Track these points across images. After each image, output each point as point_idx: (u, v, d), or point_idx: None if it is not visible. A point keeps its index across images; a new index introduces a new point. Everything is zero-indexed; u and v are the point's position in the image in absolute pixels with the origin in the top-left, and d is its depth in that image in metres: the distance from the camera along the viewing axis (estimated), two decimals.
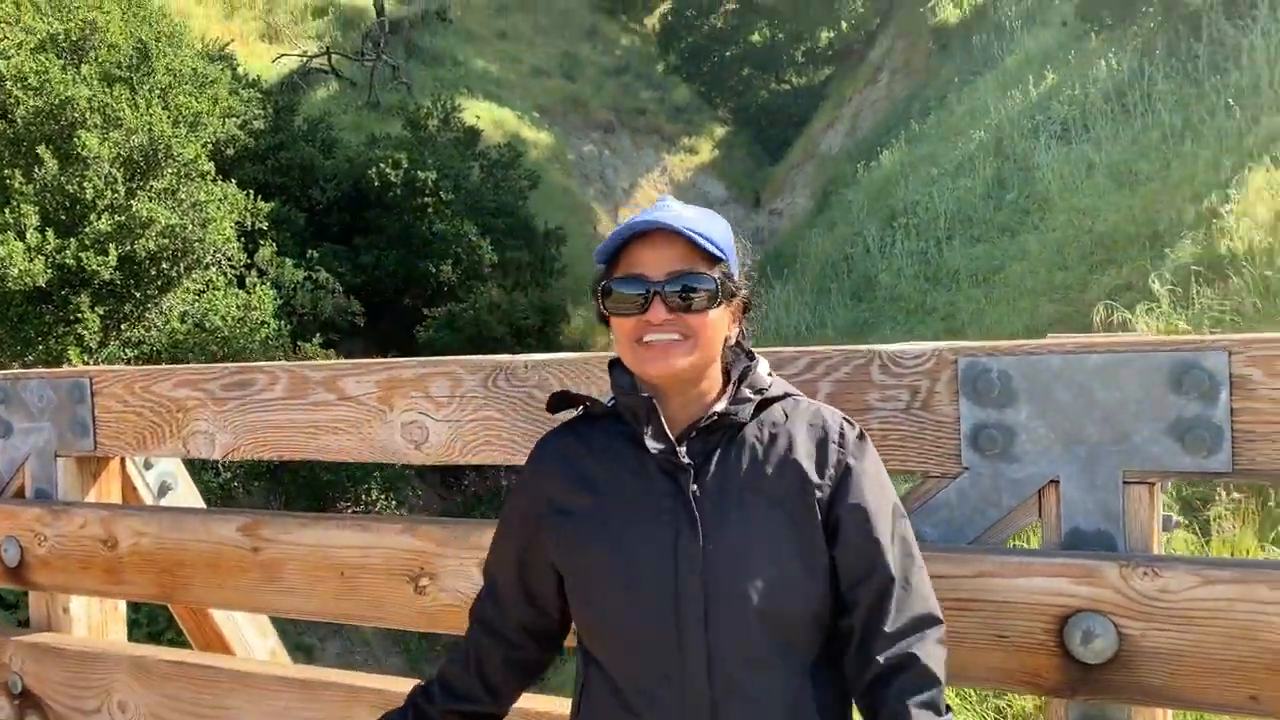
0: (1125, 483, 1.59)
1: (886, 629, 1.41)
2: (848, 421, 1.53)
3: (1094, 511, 1.60)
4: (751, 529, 1.45)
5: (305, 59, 23.77)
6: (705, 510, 1.46)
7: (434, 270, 16.77)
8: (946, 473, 1.71)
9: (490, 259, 17.29)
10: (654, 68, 33.96)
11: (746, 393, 1.52)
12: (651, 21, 36.16)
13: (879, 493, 1.48)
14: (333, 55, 23.87)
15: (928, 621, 1.43)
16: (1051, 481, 1.64)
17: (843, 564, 1.45)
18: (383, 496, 13.82)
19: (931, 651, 1.41)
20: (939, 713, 1.39)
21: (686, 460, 1.48)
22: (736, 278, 1.54)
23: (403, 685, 2.04)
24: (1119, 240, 9.02)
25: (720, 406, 1.50)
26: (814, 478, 1.47)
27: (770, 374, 1.57)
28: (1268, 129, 8.85)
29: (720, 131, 32.40)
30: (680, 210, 1.53)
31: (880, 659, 1.40)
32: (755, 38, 34.18)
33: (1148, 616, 1.50)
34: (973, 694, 4.74)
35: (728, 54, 34.10)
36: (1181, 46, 11.77)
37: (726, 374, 1.56)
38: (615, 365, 1.58)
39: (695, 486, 1.47)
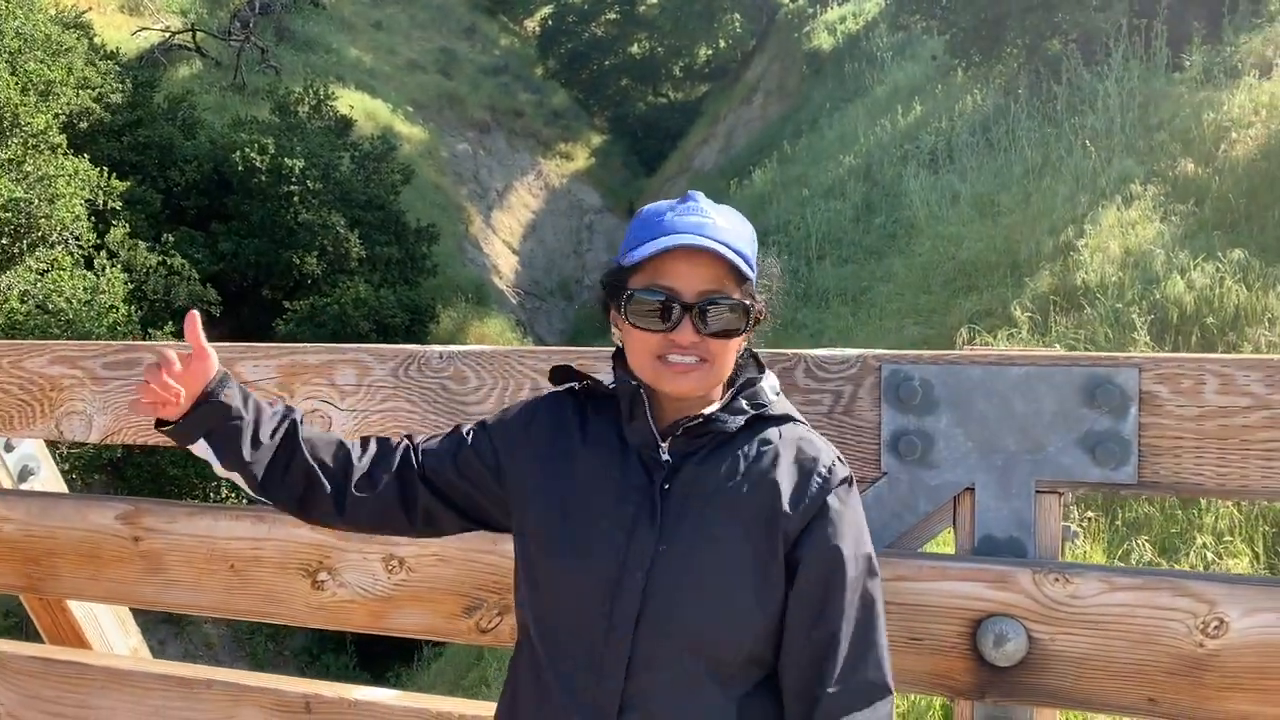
0: (1037, 492, 1.64)
1: (830, 689, 1.35)
2: (840, 461, 1.47)
3: (1007, 519, 1.65)
4: (710, 541, 1.40)
5: (168, 34, 22.74)
6: (668, 509, 1.42)
7: (298, 261, 16.23)
8: (865, 477, 1.73)
9: (358, 253, 16.85)
10: (533, 70, 33.82)
11: (743, 404, 1.47)
12: (531, 24, 36.04)
13: (852, 542, 1.41)
14: (197, 33, 22.90)
15: (879, 692, 1.37)
16: (967, 489, 1.68)
17: (793, 607, 1.38)
18: (233, 494, 13.26)
19: None
20: None
21: (665, 457, 1.45)
22: (758, 295, 1.49)
23: (294, 685, 1.95)
24: (981, 268, 9.43)
25: (709, 410, 1.46)
26: (786, 508, 1.41)
27: (778, 393, 1.53)
28: (1119, 170, 9.41)
29: (597, 140, 32.49)
30: (715, 217, 1.47)
31: None
32: (635, 49, 34.47)
33: (1057, 621, 1.56)
34: None
35: (607, 63, 34.30)
36: (1042, 87, 12.41)
37: (732, 380, 1.52)
38: (619, 356, 1.55)
39: (666, 484, 1.43)
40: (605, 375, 1.58)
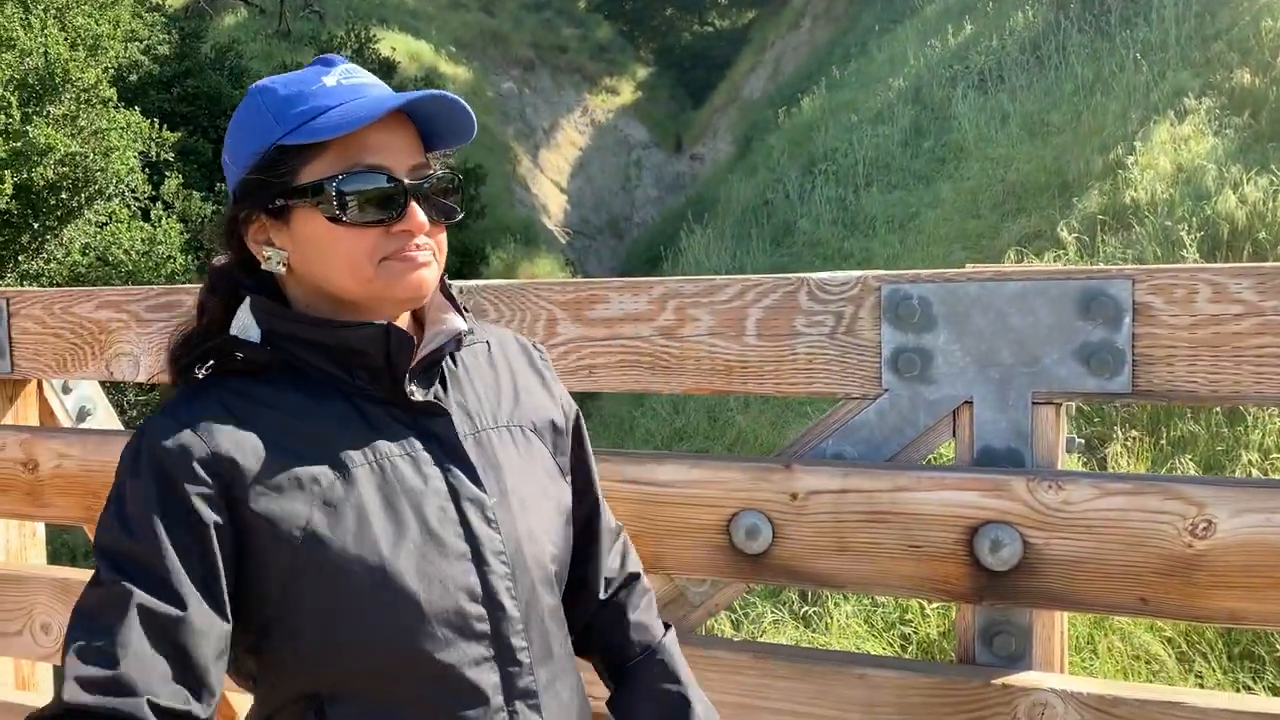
0: (1034, 403, 1.68)
1: (614, 542, 1.44)
2: (534, 344, 1.42)
3: (1005, 430, 1.70)
4: (520, 467, 1.25)
5: None
6: (475, 456, 1.20)
7: None
8: (867, 394, 1.78)
9: None
10: (575, 4, 33.46)
11: (460, 305, 1.28)
12: None
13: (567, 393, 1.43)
14: None
15: (619, 528, 1.48)
16: (966, 402, 1.72)
17: (576, 482, 1.36)
18: None
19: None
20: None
21: (432, 398, 1.19)
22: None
23: None
24: (1030, 189, 9.28)
25: (455, 325, 1.24)
26: (543, 395, 1.34)
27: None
28: (1173, 84, 9.15)
29: (642, 73, 32.17)
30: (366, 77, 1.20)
31: (610, 589, 1.40)
32: None
33: (1051, 526, 1.61)
34: (880, 622, 4.95)
35: None
36: (1095, 0, 12.06)
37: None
38: (264, 304, 1.17)
39: (465, 433, 1.21)
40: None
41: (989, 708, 1.64)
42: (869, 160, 13.64)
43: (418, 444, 1.17)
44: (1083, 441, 4.78)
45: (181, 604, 1.02)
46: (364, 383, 1.17)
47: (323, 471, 1.11)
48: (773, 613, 5.21)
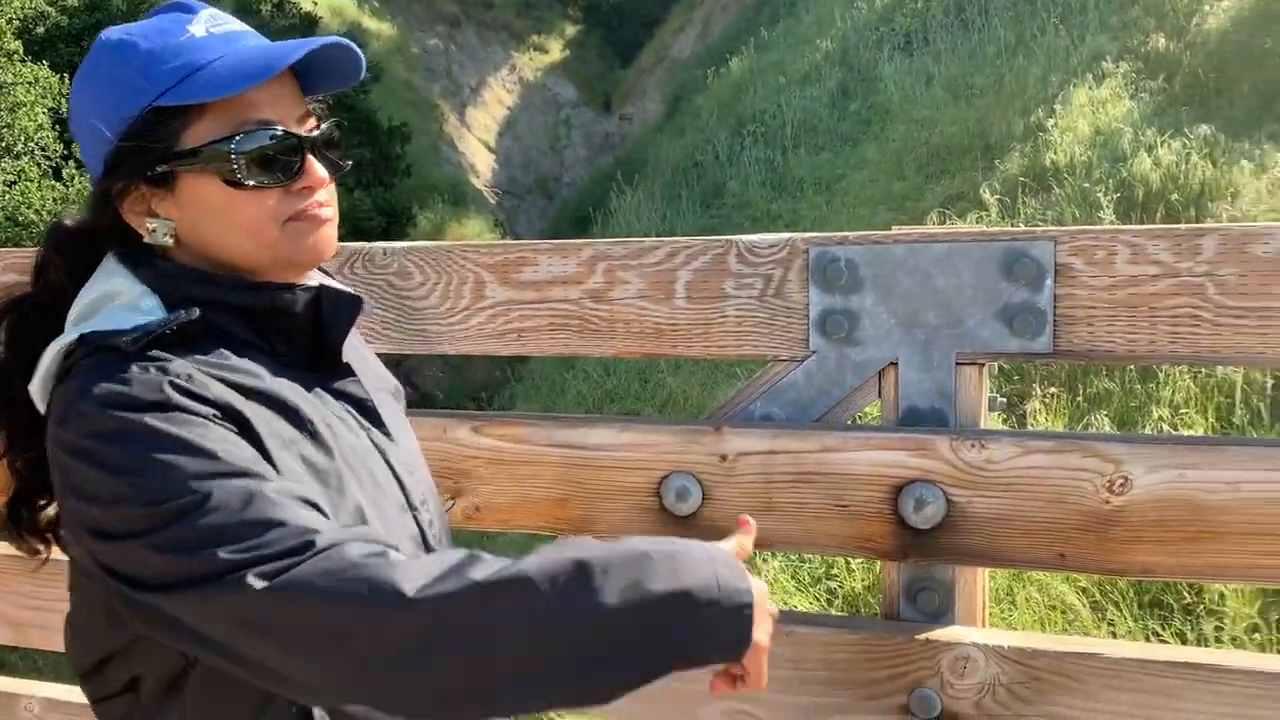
0: (958, 364, 1.71)
1: None
2: None
3: (929, 391, 1.72)
4: (401, 425, 1.29)
5: None
6: (381, 416, 1.23)
7: None
8: (795, 356, 1.79)
9: None
10: None
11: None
12: None
13: None
14: None
15: None
16: (891, 363, 1.74)
17: None
18: None
19: None
20: None
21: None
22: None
23: None
24: (953, 151, 9.41)
25: (349, 289, 1.22)
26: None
27: None
28: (1091, 48, 9.32)
29: (571, 31, 31.77)
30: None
31: None
32: None
33: (974, 485, 1.64)
34: (807, 577, 5.05)
35: None
36: None
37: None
38: (172, 273, 1.09)
39: (367, 392, 1.22)
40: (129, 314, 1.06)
41: (913, 662, 1.68)
42: (797, 122, 13.68)
43: (338, 405, 1.17)
44: (1004, 400, 4.90)
45: (275, 469, 1.00)
46: (282, 347, 1.13)
47: (293, 432, 1.07)
48: None
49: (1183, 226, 1.60)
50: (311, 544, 0.91)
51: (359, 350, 1.33)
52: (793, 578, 5.08)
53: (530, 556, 0.94)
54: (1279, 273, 1.53)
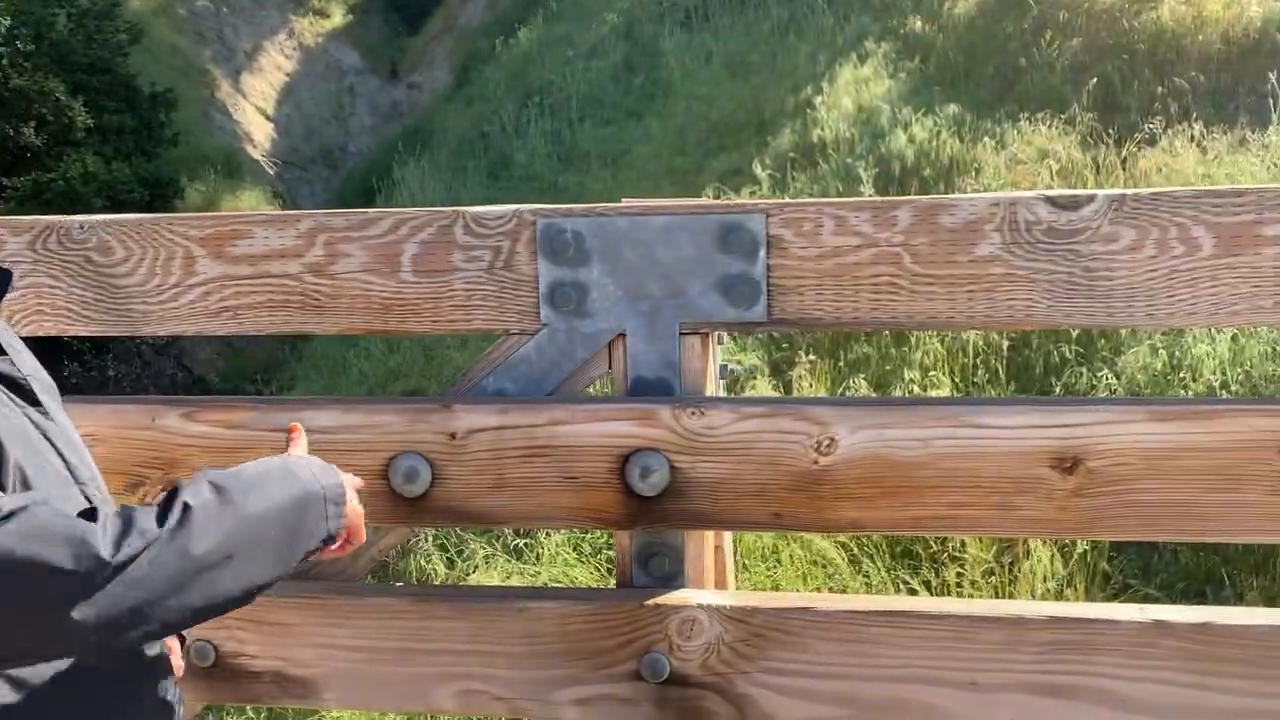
0: (681, 334, 1.75)
1: None
2: None
3: (655, 361, 1.75)
4: (56, 407, 1.32)
5: None
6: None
7: (12, 133, 14.67)
8: (526, 330, 1.79)
9: (84, 122, 15.36)
10: None
11: None
12: None
13: None
14: None
15: None
16: (620, 334, 1.76)
17: None
18: None
19: None
20: None
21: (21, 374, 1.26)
22: None
23: None
24: (731, 127, 9.66)
25: None
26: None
27: None
28: (856, 28, 9.77)
29: None
30: None
31: None
32: None
33: (695, 451, 1.68)
34: (588, 548, 5.10)
35: None
36: None
37: None
38: None
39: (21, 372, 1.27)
40: None
41: (643, 627, 1.71)
42: (583, 95, 13.70)
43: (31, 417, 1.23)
44: (738, 368, 5.08)
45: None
46: None
47: None
48: (484, 549, 5.24)
49: (881, 199, 1.68)
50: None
51: (6, 335, 1.32)
52: (574, 550, 5.12)
53: (177, 498, 1.09)
54: (964, 242, 1.64)
